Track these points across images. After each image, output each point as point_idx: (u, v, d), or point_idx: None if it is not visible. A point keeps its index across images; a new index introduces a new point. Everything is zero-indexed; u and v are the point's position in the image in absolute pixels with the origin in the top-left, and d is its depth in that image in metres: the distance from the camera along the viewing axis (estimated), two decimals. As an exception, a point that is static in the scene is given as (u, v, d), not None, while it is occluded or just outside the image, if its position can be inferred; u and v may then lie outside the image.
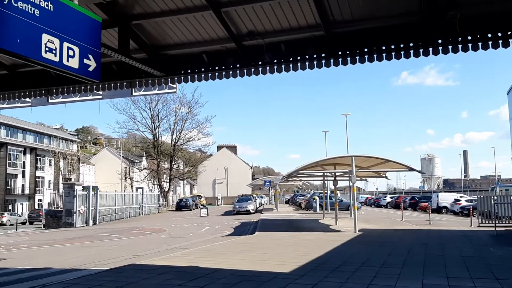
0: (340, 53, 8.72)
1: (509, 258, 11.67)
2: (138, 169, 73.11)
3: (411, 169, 19.47)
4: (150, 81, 10.28)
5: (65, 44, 4.76)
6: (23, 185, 64.75)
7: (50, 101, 13.36)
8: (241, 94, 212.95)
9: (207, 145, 69.57)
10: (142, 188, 51.16)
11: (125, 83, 10.48)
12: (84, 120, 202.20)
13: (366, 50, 8.58)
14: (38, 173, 67.88)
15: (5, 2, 4.12)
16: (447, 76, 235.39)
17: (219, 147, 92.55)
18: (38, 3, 4.45)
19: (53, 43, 4.60)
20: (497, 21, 7.44)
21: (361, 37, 8.54)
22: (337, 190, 27.55)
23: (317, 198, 40.00)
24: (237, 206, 41.26)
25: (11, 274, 10.65)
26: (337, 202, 25.93)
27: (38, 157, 68.18)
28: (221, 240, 17.32)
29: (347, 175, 28.05)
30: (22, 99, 11.85)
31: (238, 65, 9.39)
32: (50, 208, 40.68)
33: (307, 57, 8.92)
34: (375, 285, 7.94)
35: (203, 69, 9.65)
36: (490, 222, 21.70)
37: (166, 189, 63.38)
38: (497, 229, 19.24)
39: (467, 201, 38.96)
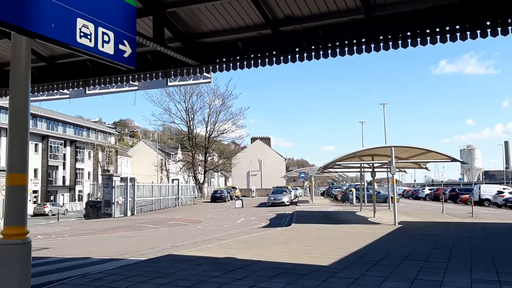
0: (381, 37, 8.30)
1: None
2: (174, 161, 73.96)
3: (454, 160, 18.73)
4: (185, 71, 10.15)
5: (100, 29, 4.62)
6: (64, 177, 66.77)
7: (87, 92, 13.50)
8: (275, 86, 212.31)
9: (241, 137, 69.74)
10: (177, 179, 51.80)
11: (160, 73, 10.39)
12: (121, 113, 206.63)
13: (409, 33, 8.14)
14: (78, 165, 69.84)
15: (39, -14, 4.00)
16: (488, 64, 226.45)
17: (253, 139, 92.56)
18: (72, -14, 4.32)
19: (88, 28, 4.46)
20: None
21: (404, 20, 8.11)
22: (374, 182, 26.95)
23: (353, 190, 39.33)
24: (272, 198, 41.10)
25: (51, 264, 10.83)
26: (375, 194, 25.32)
27: (78, 149, 70.09)
28: (257, 231, 17.18)
29: (385, 166, 27.39)
30: (61, 90, 11.98)
31: (274, 52, 9.10)
32: (90, 199, 41.73)
33: (346, 42, 8.54)
34: (421, 280, 7.57)
35: (238, 57, 9.43)
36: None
37: (201, 181, 63.99)
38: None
39: (510, 193, 37.45)
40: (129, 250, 13.04)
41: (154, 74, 10.39)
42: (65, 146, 67.56)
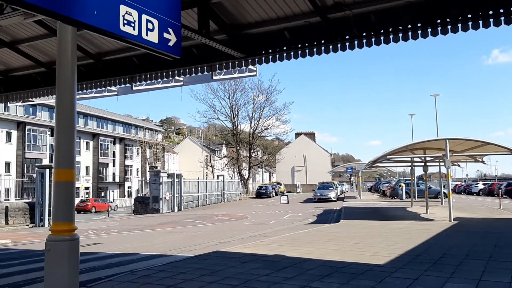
0: (439, 21, 7.73)
1: None
2: (219, 157, 74.67)
3: (515, 152, 17.56)
4: (230, 64, 9.93)
5: (144, 17, 4.40)
6: (113, 173, 68.83)
7: (134, 88, 13.58)
8: (319, 81, 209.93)
9: (285, 133, 69.43)
10: (223, 175, 52.07)
11: (205, 67, 10.20)
12: (168, 111, 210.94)
13: (469, 16, 7.54)
14: (127, 162, 71.78)
15: (81, -29, 3.81)
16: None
17: (297, 134, 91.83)
18: (114, -29, 4.11)
19: (131, 15, 4.25)
20: None
21: (465, 1, 7.52)
22: (419, 177, 25.86)
23: (403, 185, 38.07)
24: (318, 194, 40.47)
25: (101, 259, 10.92)
26: (427, 189, 24.27)
27: (127, 147, 72.02)
28: (305, 228, 16.79)
29: (437, 160, 26.25)
30: (108, 87, 12.04)
31: (322, 41, 8.69)
32: (139, 195, 42.66)
33: (400, 27, 8.01)
34: (487, 282, 6.97)
35: (284, 48, 9.08)
36: None
37: (246, 177, 64.14)
38: None
39: None
40: (176, 246, 13.01)
41: (199, 68, 10.23)
42: (114, 144, 69.61)
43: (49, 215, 23.80)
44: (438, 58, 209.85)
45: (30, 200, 28.48)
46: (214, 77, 12.36)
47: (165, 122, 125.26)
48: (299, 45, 8.94)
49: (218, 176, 55.86)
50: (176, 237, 15.90)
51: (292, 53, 9.09)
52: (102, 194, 64.49)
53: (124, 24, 4.17)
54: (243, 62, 9.77)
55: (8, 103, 14.30)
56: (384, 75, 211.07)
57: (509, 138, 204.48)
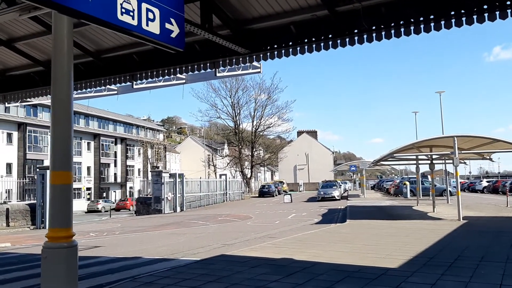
0: (453, 12, 7.35)
1: None
2: (221, 156, 74.32)
3: (525, 149, 17.16)
4: (234, 60, 9.56)
5: (144, 5, 4.04)
6: (115, 174, 68.51)
7: (134, 87, 13.22)
8: (320, 79, 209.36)
9: (287, 131, 68.73)
10: (225, 174, 51.75)
11: (208, 64, 9.83)
12: (169, 110, 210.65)
13: (485, 7, 7.16)
14: (129, 162, 71.46)
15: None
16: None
17: (299, 133, 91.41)
18: (111, -44, 3.74)
19: (130, 3, 3.89)
20: None
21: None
22: (428, 174, 25.45)
23: (407, 183, 37.65)
24: (322, 192, 40.08)
25: (103, 264, 10.56)
26: (434, 187, 23.89)
27: (128, 147, 71.69)
28: (311, 228, 16.41)
29: (443, 158, 25.84)
30: (108, 86, 11.67)
31: (330, 35, 8.30)
32: (141, 196, 42.34)
33: (412, 20, 7.63)
34: (509, 286, 6.60)
35: (290, 43, 8.68)
36: None
37: (248, 176, 63.80)
38: None
39: None
40: (180, 248, 12.65)
41: (202, 65, 9.86)
42: (115, 144, 69.27)
43: (50, 217, 23.51)
44: (439, 56, 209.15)
45: (31, 201, 28.14)
46: (218, 74, 11.99)
47: (166, 122, 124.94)
48: (306, 40, 8.56)
49: (220, 175, 55.56)
50: (179, 239, 15.53)
51: (298, 48, 8.71)
52: (104, 194, 64.18)
53: (122, 13, 3.81)
54: (247, 58, 9.41)
55: (6, 103, 13.96)
56: (385, 72, 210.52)
57: (510, 134, 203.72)
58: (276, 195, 53.81)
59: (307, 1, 8.00)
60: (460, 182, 65.88)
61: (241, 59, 9.44)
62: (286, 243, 11.74)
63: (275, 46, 8.83)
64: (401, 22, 7.73)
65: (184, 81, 13.09)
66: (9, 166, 51.01)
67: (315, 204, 34.84)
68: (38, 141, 54.28)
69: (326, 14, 8.04)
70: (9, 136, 51.48)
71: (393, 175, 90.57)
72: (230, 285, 6.93)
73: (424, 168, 35.95)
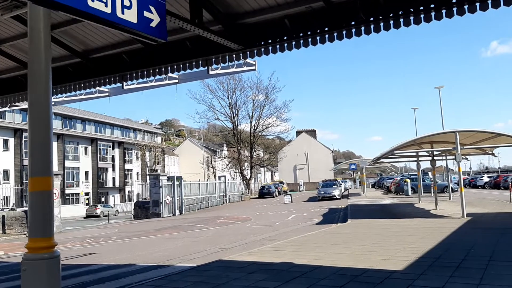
0: (454, 0, 7.00)
1: None
2: (220, 158, 73.85)
3: (530, 143, 16.78)
4: (227, 57, 9.15)
5: (118, -9, 3.63)
6: (113, 178, 68.02)
7: (125, 88, 12.83)
8: (318, 78, 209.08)
9: (286, 131, 68.30)
10: (224, 176, 51.37)
11: (200, 61, 9.42)
12: (167, 113, 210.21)
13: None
14: (127, 166, 70.99)
15: None
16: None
17: (298, 132, 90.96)
18: None
19: (102, -12, 3.48)
20: None
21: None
22: (429, 171, 25.10)
23: (408, 180, 37.24)
24: (322, 192, 39.67)
25: (94, 272, 10.14)
26: (436, 184, 23.51)
27: (126, 151, 71.23)
28: (311, 229, 16.00)
29: (444, 154, 25.46)
30: (98, 87, 11.28)
31: (326, 29, 7.90)
32: (138, 200, 41.93)
33: (411, 9, 7.25)
34: (523, 289, 6.21)
35: (285, 38, 8.28)
36: None
37: (248, 177, 63.39)
38: None
39: None
40: (176, 254, 12.23)
41: (194, 63, 9.45)
42: (113, 148, 68.81)
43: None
44: (436, 53, 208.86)
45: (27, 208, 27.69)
46: (211, 72, 11.60)
47: (164, 125, 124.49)
48: (301, 34, 8.16)
49: (219, 177, 55.16)
50: (176, 244, 15.12)
51: (293, 42, 8.31)
52: (103, 199, 63.72)
53: (93, 0, 3.40)
54: (241, 54, 8.99)
55: (-5, 108, 13.53)
56: (383, 70, 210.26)
57: (510, 128, 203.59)
58: (276, 196, 53.40)
59: (301, -8, 7.62)
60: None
61: (234, 55, 9.03)
62: (286, 246, 11.34)
63: (269, 41, 8.45)
64: (400, 12, 7.35)
65: (177, 80, 12.71)
66: (6, 172, 50.58)
67: (315, 204, 34.45)
68: (35, 147, 53.72)
69: (322, 6, 7.66)
70: (6, 142, 51.05)
71: (393, 172, 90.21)
72: (226, 293, 6.54)
73: (424, 165, 35.67)
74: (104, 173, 66.21)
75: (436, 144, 20.84)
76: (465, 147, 18.33)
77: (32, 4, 3.85)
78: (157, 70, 9.93)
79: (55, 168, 47.36)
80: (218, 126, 72.82)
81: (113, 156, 68.53)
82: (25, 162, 51.93)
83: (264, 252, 10.56)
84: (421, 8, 7.15)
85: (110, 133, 69.72)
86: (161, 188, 32.88)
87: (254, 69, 12.20)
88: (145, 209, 34.18)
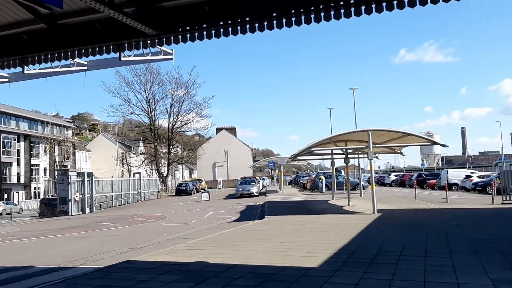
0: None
1: None
2: (135, 154, 71.17)
3: (434, 143, 17.84)
4: (141, 43, 8.53)
5: None
6: (18, 173, 63.00)
7: (26, 73, 11.55)
8: (239, 76, 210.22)
9: (205, 128, 67.15)
10: (139, 173, 49.58)
11: (111, 46, 8.68)
12: (80, 107, 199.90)
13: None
14: (33, 161, 66.08)
15: None
16: (447, 52, 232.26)
17: (218, 130, 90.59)
18: None
19: None
20: None
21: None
22: (342, 169, 25.95)
23: (323, 178, 38.38)
24: (240, 189, 39.64)
25: (-17, 277, 9.00)
26: (348, 182, 24.31)
27: (33, 145, 66.30)
28: (228, 227, 15.69)
29: (356, 152, 26.42)
30: (-6, 71, 10.07)
31: (247, 18, 7.58)
32: (45, 196, 39.11)
33: (332, 4, 7.18)
34: (433, 283, 6.29)
35: (204, 25, 7.82)
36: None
37: (165, 174, 61.76)
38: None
39: (479, 177, 37.48)
40: (81, 255, 11.28)
41: (104, 48, 8.70)
42: (18, 141, 63.68)
43: None
44: (352, 55, 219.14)
45: None
46: (123, 59, 10.74)
47: (77, 118, 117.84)
48: (221, 23, 7.76)
49: (134, 174, 53.16)
50: (83, 243, 14.04)
51: (213, 31, 7.89)
52: (5, 196, 58.73)
53: None
54: (156, 40, 8.40)
55: None
56: (302, 71, 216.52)
57: (414, 131, 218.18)
58: (194, 193, 52.61)
59: (222, -23, 7.21)
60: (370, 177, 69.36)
61: (149, 41, 8.43)
62: (201, 244, 10.88)
63: (188, 27, 7.96)
64: (321, 6, 7.20)
65: (86, 67, 11.66)
66: None
67: (233, 201, 34.28)
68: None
69: (245, -7, 7.31)
70: None
71: (308, 170, 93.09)
72: (132, 298, 5.95)
73: (338, 163, 36.94)
74: (7, 168, 61.05)
75: (350, 142, 21.49)
76: (377, 145, 19.05)
77: None
78: (62, 54, 9.04)
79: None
80: (135, 121, 70.16)
81: (18, 150, 63.42)
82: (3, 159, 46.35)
83: (177, 251, 10.02)
84: (341, 3, 7.09)
85: (15, 125, 64.52)
86: (69, 185, 30.83)
87: (172, 58, 11.50)
88: (52, 207, 31.89)
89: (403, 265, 7.55)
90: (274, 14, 7.42)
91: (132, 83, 58.90)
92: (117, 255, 10.55)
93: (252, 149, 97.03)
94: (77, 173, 33.40)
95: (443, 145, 17.41)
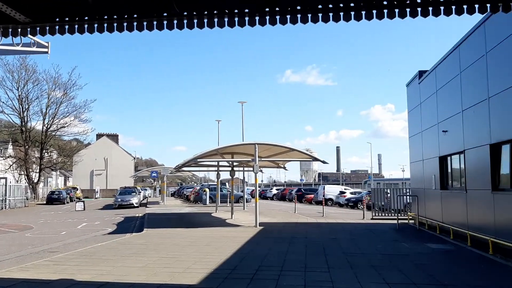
0: (267, 9, 6.97)
1: (430, 254, 10.94)
2: (2, 157, 64.23)
3: (315, 159, 18.54)
4: (11, 30, 7.47)
5: None
6: None
7: None
8: (126, 82, 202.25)
9: (84, 132, 62.90)
10: (5, 178, 44.59)
11: (-28, 32, 7.47)
12: None
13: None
14: None
15: None
16: (327, 77, 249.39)
17: (99, 136, 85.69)
18: None
19: None
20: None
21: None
22: (227, 182, 25.99)
23: (207, 190, 38.09)
24: (119, 199, 37.59)
25: None
26: (233, 194, 24.31)
27: None
28: (102, 240, 14.51)
29: (242, 165, 26.67)
30: None
31: (135, 15, 7.03)
32: None
33: (226, 11, 6.98)
34: (312, 299, 6.27)
35: (86, 17, 7.08)
36: (384, 215, 21.86)
37: (35, 180, 56.50)
38: (392, 222, 19.30)
39: (351, 193, 40.22)
40: None
41: (-37, 32, 7.44)
42: None
43: None
44: (244, 70, 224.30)
45: None
46: (-14, 46, 9.46)
47: None
48: (106, 17, 7.08)
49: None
50: None
51: (96, 25, 7.17)
52: None
53: None
54: (29, 29, 7.42)
55: None
56: (190, 82, 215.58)
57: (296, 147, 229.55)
58: (68, 202, 48.83)
59: (109, -33, 6.58)
60: (253, 190, 70.95)
61: (20, 29, 7.41)
62: (69, 259, 9.79)
63: (66, 18, 7.12)
64: (215, 12, 6.93)
65: None
66: None
67: (111, 212, 32.33)
68: None
69: (133, -12, 6.76)
70: None
71: (193, 182, 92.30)
72: (-27, 327, 4.97)
73: (224, 175, 37.10)
74: None
75: (237, 155, 21.56)
76: (262, 159, 19.30)
77: None
78: None
79: None
80: (5, 121, 63.40)
81: None
82: None
83: (40, 267, 8.87)
84: (236, 11, 6.89)
85: None
86: None
87: (47, 52, 10.41)
88: None
89: (284, 281, 7.47)
90: (165, 14, 6.98)
91: (4, 79, 53.26)
92: (-36, 273, 9.03)
93: (135, 158, 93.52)
94: None
95: (324, 162, 18.24)
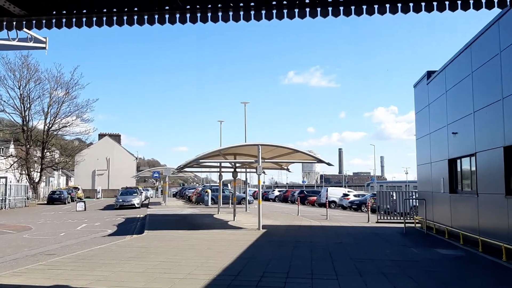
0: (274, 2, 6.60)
1: (440, 261, 10.51)
2: (3, 156, 63.96)
3: (320, 161, 18.11)
4: (5, 23, 7.13)
5: None
6: None
7: None
8: (128, 82, 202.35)
9: (86, 132, 62.61)
10: (6, 177, 44.30)
11: (-33, 25, 7.12)
12: None
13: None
14: None
15: None
16: (331, 78, 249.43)
17: (101, 136, 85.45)
18: None
19: None
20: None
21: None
22: (229, 183, 25.59)
23: (209, 191, 37.71)
24: (121, 200, 37.23)
25: None
26: (235, 196, 23.92)
27: None
28: (102, 242, 14.14)
29: (245, 166, 26.27)
30: None
31: (136, 9, 6.70)
32: None
33: (231, 4, 6.62)
34: (321, 310, 5.87)
35: (85, 10, 6.73)
36: (389, 218, 21.40)
37: (37, 180, 56.20)
38: (398, 225, 18.88)
39: (355, 196, 39.75)
40: None
41: (-44, 26, 7.10)
42: None
43: None
44: (243, 73, 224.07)
45: None
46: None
47: None
48: (105, 10, 6.73)
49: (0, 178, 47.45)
50: None
51: (94, 18, 6.83)
52: None
53: None
54: (24, 22, 7.08)
55: None
56: (190, 83, 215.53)
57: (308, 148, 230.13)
58: (69, 202, 48.51)
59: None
60: (255, 191, 70.44)
61: (15, 22, 7.08)
62: (65, 263, 9.42)
63: (64, 11, 6.77)
64: (219, 5, 6.58)
65: None
66: None
67: (112, 212, 31.97)
68: None
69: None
70: None
71: (195, 183, 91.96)
72: None
73: (226, 176, 36.69)
74: None
75: (239, 156, 21.16)
76: (265, 160, 18.88)
77: None
78: None
79: None
80: (6, 120, 63.12)
81: None
82: None
83: (35, 271, 8.49)
84: (241, 4, 6.55)
85: None
86: None
87: (45, 47, 10.05)
88: None
89: (291, 289, 7.08)
90: (167, 8, 6.63)
91: (5, 78, 53.00)
92: (-44, 277, 8.66)
93: (137, 158, 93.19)
94: None
95: (329, 164, 17.82)
